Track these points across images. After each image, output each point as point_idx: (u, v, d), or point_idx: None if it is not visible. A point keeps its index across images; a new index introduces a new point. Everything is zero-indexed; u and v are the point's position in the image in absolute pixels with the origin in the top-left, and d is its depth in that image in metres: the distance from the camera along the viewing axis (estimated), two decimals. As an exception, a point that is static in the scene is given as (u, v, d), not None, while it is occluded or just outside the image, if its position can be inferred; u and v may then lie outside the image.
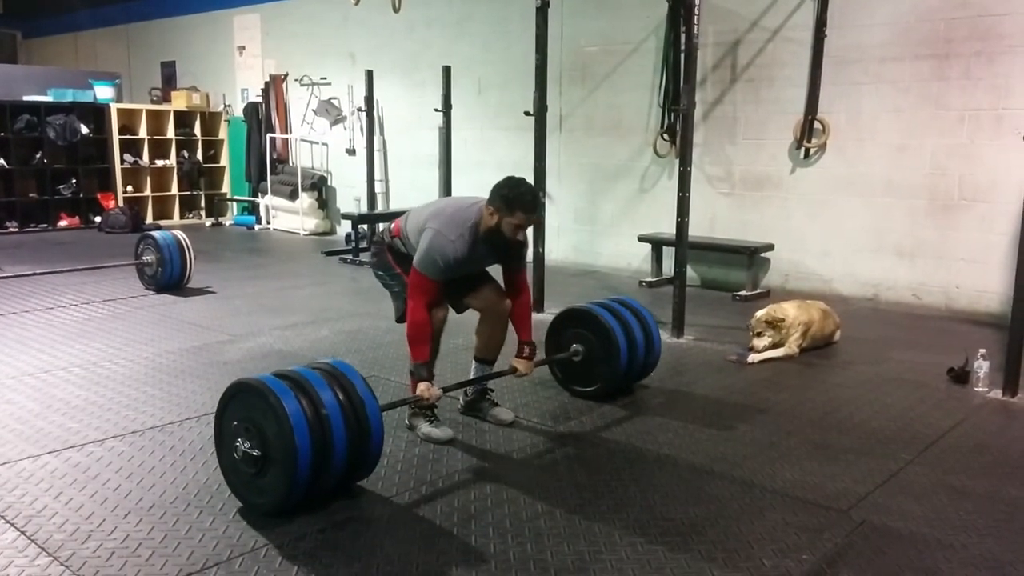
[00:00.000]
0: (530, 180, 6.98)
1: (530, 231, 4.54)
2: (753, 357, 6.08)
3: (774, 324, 6.14)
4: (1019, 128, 6.81)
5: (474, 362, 4.76)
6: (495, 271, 4.59)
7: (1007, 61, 7.12)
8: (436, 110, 10.57)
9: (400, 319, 4.47)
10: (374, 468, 3.79)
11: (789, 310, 6.25)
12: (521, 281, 4.57)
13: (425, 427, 4.46)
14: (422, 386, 4.19)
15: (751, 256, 8.45)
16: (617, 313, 5.08)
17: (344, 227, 12.34)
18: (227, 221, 14.83)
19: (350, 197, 12.77)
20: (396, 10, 10.02)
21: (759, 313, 6.25)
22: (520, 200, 4.11)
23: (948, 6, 7.38)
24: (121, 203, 13.87)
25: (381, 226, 5.57)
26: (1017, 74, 7.02)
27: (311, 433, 3.37)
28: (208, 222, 14.76)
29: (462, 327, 4.63)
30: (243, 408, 3.54)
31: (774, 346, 6.14)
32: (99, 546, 3.27)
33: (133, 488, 3.82)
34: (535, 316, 5.97)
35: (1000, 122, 7.20)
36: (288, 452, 3.33)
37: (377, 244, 4.65)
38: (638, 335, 5.05)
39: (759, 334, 6.15)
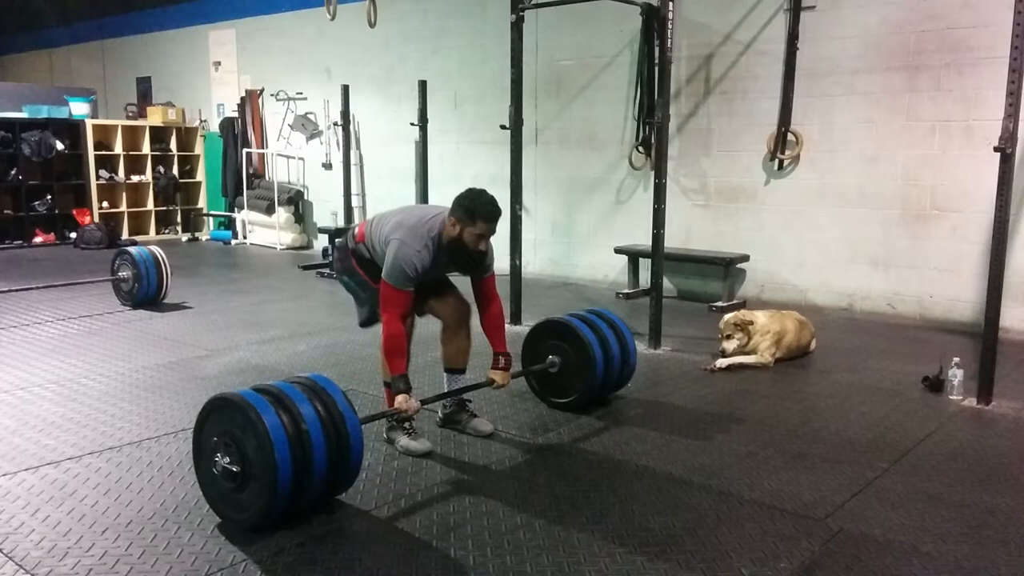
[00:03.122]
0: (507, 193, 7.07)
1: (494, 240, 4.55)
2: (720, 362, 6.13)
3: (742, 327, 6.20)
4: (989, 138, 6.88)
5: (445, 374, 4.77)
6: (461, 280, 4.59)
7: (976, 73, 7.22)
8: (412, 124, 10.58)
9: (364, 324, 4.54)
10: (353, 483, 3.79)
11: (759, 316, 6.31)
12: (490, 289, 4.55)
13: (404, 440, 4.46)
14: (400, 398, 4.19)
15: (727, 267, 8.50)
16: (593, 325, 5.10)
17: (321, 241, 12.33)
18: (203, 236, 14.78)
19: (327, 211, 12.76)
20: (372, 25, 10.02)
21: (727, 316, 6.33)
22: (481, 210, 4.14)
23: (918, 19, 7.48)
24: (97, 219, 13.81)
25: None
26: (986, 85, 7.11)
27: (291, 450, 3.36)
28: (184, 237, 14.71)
29: (436, 340, 4.65)
30: (223, 423, 3.52)
31: (744, 351, 6.20)
32: (77, 563, 3.25)
33: (111, 504, 3.80)
34: (512, 329, 6.02)
35: (970, 132, 7.30)
36: (268, 469, 3.32)
37: (341, 250, 4.63)
38: (614, 346, 5.08)
39: (728, 336, 6.23)
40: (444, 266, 4.37)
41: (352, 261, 4.51)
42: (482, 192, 4.23)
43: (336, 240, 4.68)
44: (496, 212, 4.22)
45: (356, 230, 4.56)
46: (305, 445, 3.41)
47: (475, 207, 4.14)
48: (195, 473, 3.72)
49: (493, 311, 4.56)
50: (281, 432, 3.36)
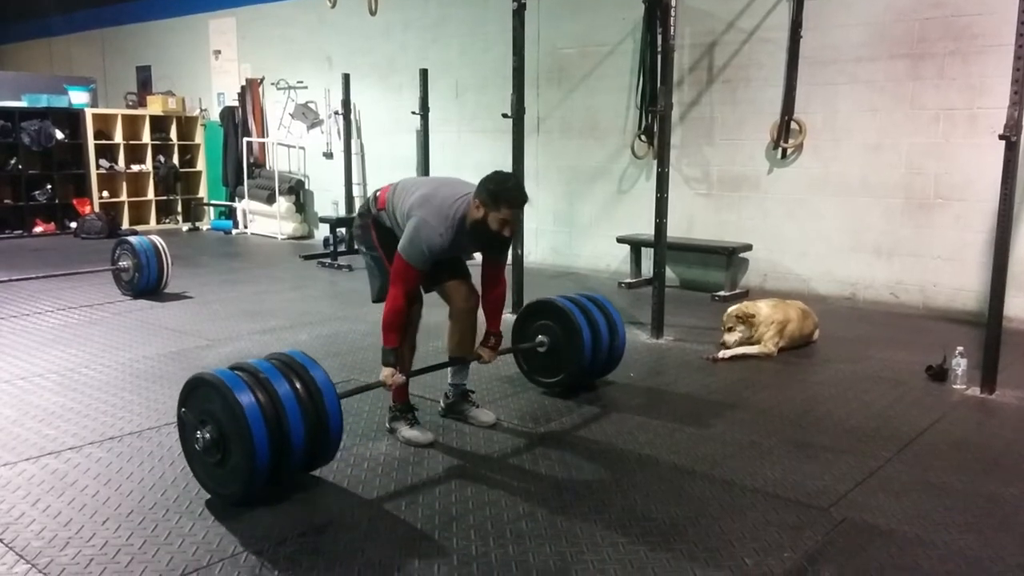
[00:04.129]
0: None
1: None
2: (724, 352, 6.12)
3: (745, 319, 6.18)
4: (994, 127, 6.83)
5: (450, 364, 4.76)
6: (472, 264, 4.59)
7: (981, 60, 7.18)
8: (413, 113, 10.56)
9: (377, 299, 4.46)
10: (335, 455, 3.79)
11: (762, 308, 6.29)
12: (499, 274, 4.57)
13: (405, 431, 4.44)
14: (386, 371, 4.19)
15: (729, 256, 8.48)
16: (581, 305, 5.10)
17: (322, 231, 12.30)
18: (204, 226, 14.74)
19: (328, 201, 12.74)
20: (373, 13, 10.00)
21: (730, 309, 6.30)
22: (506, 195, 4.09)
23: (922, 6, 7.43)
24: (97, 208, 13.78)
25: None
26: (991, 73, 7.07)
27: (267, 425, 3.40)
28: (185, 227, 14.67)
29: (443, 330, 4.64)
30: (201, 401, 3.59)
31: (747, 343, 6.18)
32: (78, 553, 3.24)
33: (111, 494, 3.79)
34: (513, 317, 5.98)
35: (975, 121, 7.27)
36: (246, 446, 3.37)
37: (363, 216, 4.58)
38: (602, 327, 5.07)
39: (730, 329, 6.21)
40: (467, 246, 4.35)
41: (372, 233, 4.48)
42: (508, 177, 4.20)
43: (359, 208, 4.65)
44: (521, 198, 4.18)
45: (378, 195, 4.50)
46: (282, 420, 3.44)
47: (500, 192, 4.09)
48: (181, 446, 3.76)
49: (496, 293, 4.57)
50: (256, 409, 3.40)
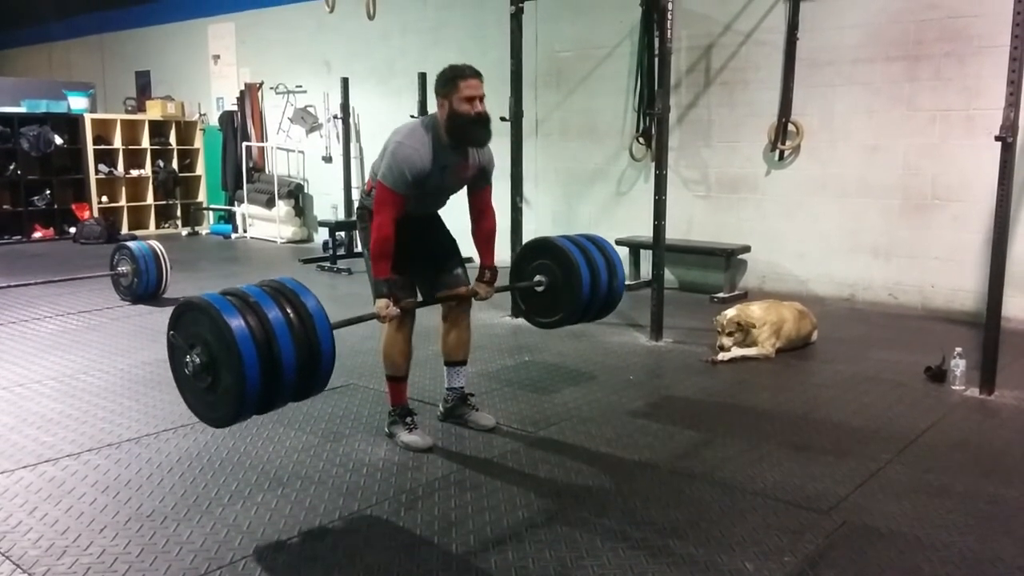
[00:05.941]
0: (508, 185, 7.03)
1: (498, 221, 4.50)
2: (723, 355, 6.10)
3: (745, 328, 6.14)
4: (990, 128, 6.78)
5: (445, 367, 4.72)
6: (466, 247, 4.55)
7: (977, 62, 7.17)
8: (412, 117, 10.55)
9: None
10: (325, 386, 3.60)
11: (755, 310, 6.26)
12: (485, 203, 4.49)
13: (404, 435, 4.43)
14: (381, 303, 4.10)
15: (728, 258, 8.47)
16: (580, 245, 4.91)
17: (321, 235, 12.29)
18: (203, 230, 14.74)
19: (327, 204, 12.73)
20: (371, 17, 10.01)
21: (729, 313, 6.23)
22: (457, 71, 4.12)
23: (918, 7, 7.43)
24: (96, 214, 13.76)
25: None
26: (987, 75, 7.07)
27: (258, 350, 3.24)
28: (184, 231, 14.66)
29: (437, 332, 4.63)
30: (191, 325, 3.42)
31: (741, 345, 6.16)
32: (75, 561, 3.24)
33: (109, 502, 3.78)
34: (511, 322, 5.98)
35: (971, 122, 7.26)
36: (236, 370, 3.22)
37: (361, 218, 4.53)
38: (601, 267, 4.80)
39: (730, 334, 6.16)
40: (447, 168, 4.21)
41: (372, 235, 4.34)
42: (452, 63, 4.23)
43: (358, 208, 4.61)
44: (472, 68, 4.22)
45: (366, 185, 4.46)
46: (272, 344, 3.29)
47: (450, 73, 4.14)
48: (171, 371, 3.57)
49: (486, 225, 4.51)
50: (245, 332, 3.23)
